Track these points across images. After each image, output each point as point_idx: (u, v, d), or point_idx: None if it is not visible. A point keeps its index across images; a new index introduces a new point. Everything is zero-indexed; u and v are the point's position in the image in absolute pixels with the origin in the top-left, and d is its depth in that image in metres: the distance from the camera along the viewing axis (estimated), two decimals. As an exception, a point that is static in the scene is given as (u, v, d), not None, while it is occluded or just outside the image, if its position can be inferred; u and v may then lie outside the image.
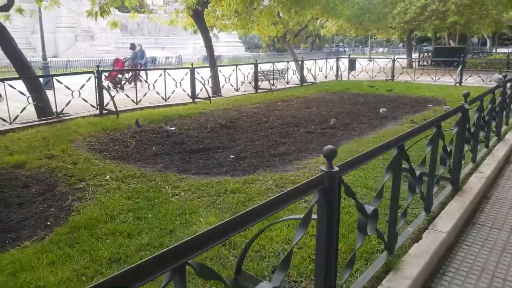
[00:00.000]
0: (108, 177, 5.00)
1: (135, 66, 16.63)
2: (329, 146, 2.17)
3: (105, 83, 12.21)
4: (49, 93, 9.66)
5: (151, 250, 3.26)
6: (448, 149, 4.25)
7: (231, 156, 6.10)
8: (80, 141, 6.89)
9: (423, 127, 3.47)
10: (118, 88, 13.39)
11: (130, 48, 17.14)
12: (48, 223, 3.85)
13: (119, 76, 14.92)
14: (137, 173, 5.14)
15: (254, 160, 5.90)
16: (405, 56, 29.07)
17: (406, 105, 11.24)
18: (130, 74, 15.78)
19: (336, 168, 2.17)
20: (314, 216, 2.23)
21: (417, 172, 3.43)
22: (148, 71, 16.23)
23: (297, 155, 6.21)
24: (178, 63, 32.81)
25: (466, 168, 5.23)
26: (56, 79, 8.71)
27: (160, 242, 3.37)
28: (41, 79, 9.85)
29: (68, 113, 8.98)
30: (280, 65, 16.34)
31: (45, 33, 37.33)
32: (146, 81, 11.13)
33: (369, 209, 2.61)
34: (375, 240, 3.50)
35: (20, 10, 11.28)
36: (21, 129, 7.76)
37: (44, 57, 15.90)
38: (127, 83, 15.04)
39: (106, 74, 13.09)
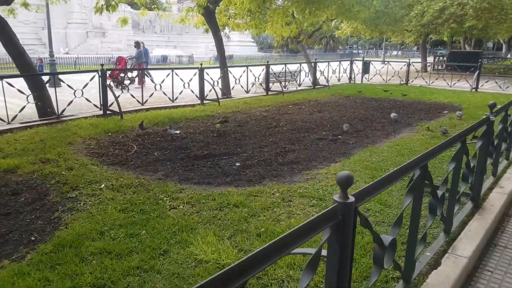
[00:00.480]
0: (103, 185, 4.71)
1: (140, 65, 16.17)
2: (344, 173, 1.82)
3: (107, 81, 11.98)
4: (56, 91, 9.46)
5: (140, 275, 2.94)
6: (471, 165, 3.88)
7: (237, 164, 5.76)
8: (79, 144, 6.62)
9: (448, 143, 3.09)
10: (121, 88, 13.11)
11: (135, 47, 16.69)
12: (33, 238, 3.55)
13: (121, 75, 14.57)
14: (134, 181, 4.83)
15: (261, 169, 5.56)
16: (419, 60, 28.47)
17: (421, 111, 10.80)
18: (136, 73, 15.48)
19: (352, 198, 1.82)
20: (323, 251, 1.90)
21: (439, 193, 3.06)
22: (151, 71, 15.80)
23: (306, 164, 5.84)
24: (189, 62, 32.63)
25: (487, 183, 4.86)
26: (59, 78, 8.46)
27: (151, 265, 3.04)
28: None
29: (63, 114, 8.68)
30: (293, 67, 15.97)
31: (56, 29, 37.72)
32: (152, 81, 10.82)
33: (386, 239, 2.26)
34: (389, 266, 3.14)
35: (25, 4, 11.11)
36: (20, 129, 7.53)
37: (51, 54, 15.70)
38: (130, 82, 14.69)
39: (109, 72, 12.78)
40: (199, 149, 6.56)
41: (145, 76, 14.09)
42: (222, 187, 4.76)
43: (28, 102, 7.97)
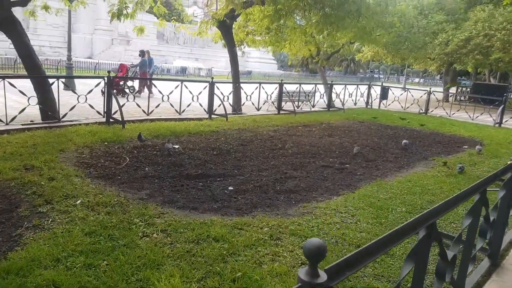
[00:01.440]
0: (79, 201, 4.30)
1: (143, 74, 15.73)
2: (314, 241, 1.33)
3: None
4: (69, 94, 9.26)
5: (83, 320, 2.48)
6: (491, 218, 3.32)
7: (230, 188, 5.29)
8: (71, 152, 6.27)
9: (464, 195, 2.55)
10: (122, 96, 12.78)
11: (139, 55, 16.27)
12: (-17, 258, 3.15)
13: (121, 83, 14.17)
14: (113, 200, 4.40)
15: (255, 196, 5.07)
16: (441, 89, 27.66)
17: (439, 144, 10.15)
18: (137, 83, 15.11)
19: (323, 276, 1.33)
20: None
21: (450, 254, 2.51)
22: (160, 81, 15.21)
23: (306, 194, 5.33)
24: (208, 75, 32.60)
25: (508, 235, 4.23)
26: (62, 81, 8.20)
27: (99, 309, 2.58)
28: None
29: (65, 118, 8.42)
30: (308, 87, 15.54)
31: (84, 34, 38.45)
32: (151, 91, 10.47)
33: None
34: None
35: (46, 7, 11.03)
36: (17, 131, 7.25)
37: (69, 57, 15.72)
38: (135, 91, 14.29)
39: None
40: (194, 167, 6.12)
41: (153, 86, 13.72)
42: (206, 215, 4.28)
43: (29, 104, 7.72)
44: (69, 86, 10.71)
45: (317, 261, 1.32)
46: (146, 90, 14.67)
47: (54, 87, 8.22)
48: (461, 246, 2.91)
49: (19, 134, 7.07)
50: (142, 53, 16.09)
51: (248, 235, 3.79)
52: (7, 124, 7.51)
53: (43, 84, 8.24)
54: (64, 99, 8.79)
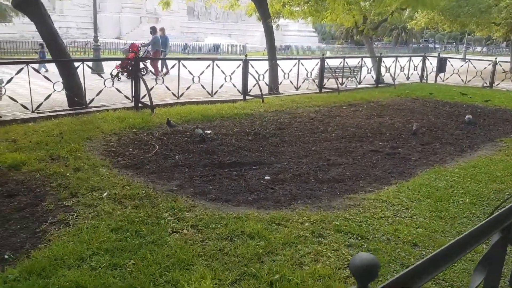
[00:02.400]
0: (105, 194, 4.33)
1: (155, 53, 15.19)
2: (364, 257, 1.15)
3: (115, 71, 11.51)
4: (96, 77, 9.39)
5: (108, 326, 2.46)
6: None
7: (266, 178, 5.16)
8: (98, 140, 6.37)
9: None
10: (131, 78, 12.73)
11: (150, 33, 15.71)
12: (6, 257, 3.22)
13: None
14: (141, 192, 4.41)
15: (294, 186, 4.91)
16: (508, 59, 25.94)
17: (507, 122, 9.49)
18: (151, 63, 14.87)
19: (376, 300, 1.15)
20: None
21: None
22: (190, 61, 14.70)
23: (352, 184, 5.10)
24: (242, 52, 32.43)
25: None
26: (87, 65, 8.33)
27: (124, 314, 2.55)
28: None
29: (93, 104, 8.57)
30: (353, 61, 14.99)
31: (110, 13, 39.27)
32: (166, 72, 10.33)
33: None
34: None
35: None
36: (44, 118, 7.47)
37: (96, 39, 16.04)
38: (145, 73, 14.16)
39: (118, 62, 11.70)
40: (227, 154, 6.05)
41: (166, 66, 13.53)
42: (241, 208, 4.19)
43: (55, 90, 7.92)
44: (96, 70, 10.92)
45: (367, 281, 1.15)
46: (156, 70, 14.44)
47: (80, 71, 8.39)
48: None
49: (45, 122, 7.27)
50: (154, 30, 15.47)
51: (287, 231, 3.66)
52: (32, 112, 7.76)
53: (68, 69, 8.42)
54: (91, 83, 8.98)
